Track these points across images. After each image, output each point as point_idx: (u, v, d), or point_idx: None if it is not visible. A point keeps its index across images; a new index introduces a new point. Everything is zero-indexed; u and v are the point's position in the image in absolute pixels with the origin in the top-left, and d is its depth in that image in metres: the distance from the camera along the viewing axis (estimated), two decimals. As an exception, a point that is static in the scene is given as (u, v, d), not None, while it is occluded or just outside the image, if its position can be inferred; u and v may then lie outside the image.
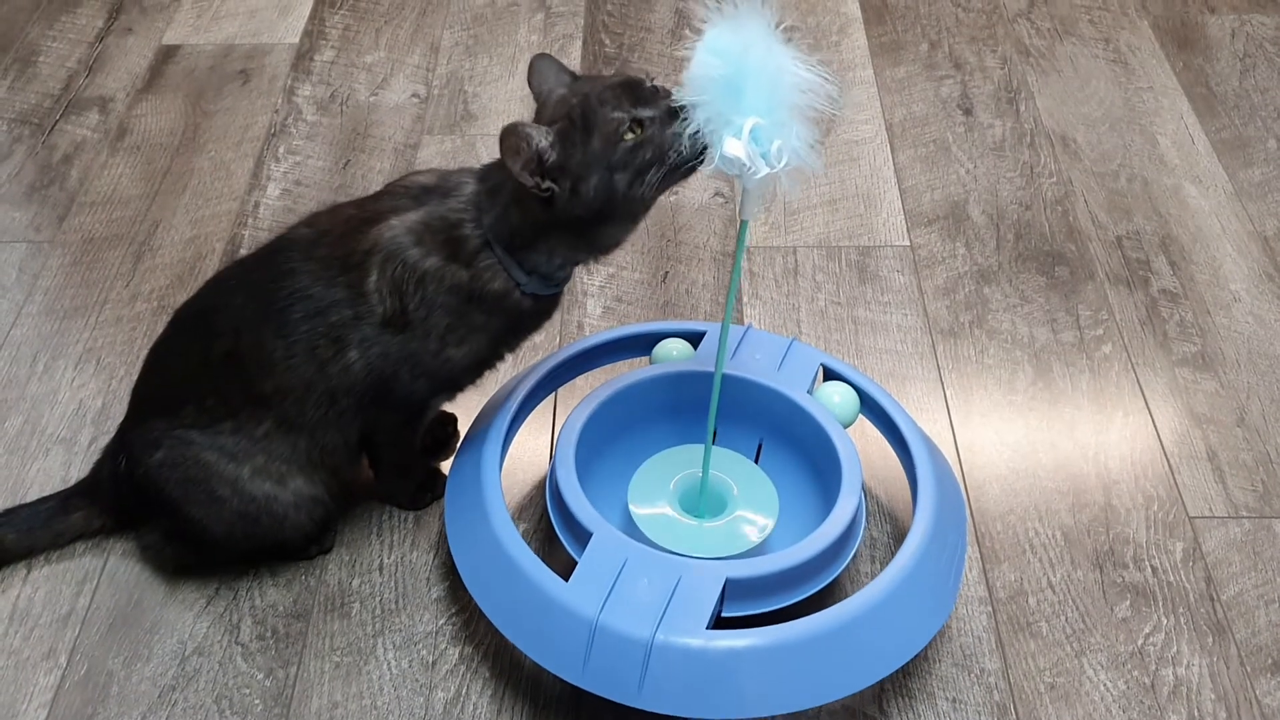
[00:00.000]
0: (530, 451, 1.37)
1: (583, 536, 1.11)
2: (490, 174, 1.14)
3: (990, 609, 1.22)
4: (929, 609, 1.12)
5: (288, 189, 1.74)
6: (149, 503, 1.19)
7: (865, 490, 1.30)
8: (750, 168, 0.97)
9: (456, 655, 1.18)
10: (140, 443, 1.19)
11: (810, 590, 1.11)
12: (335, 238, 1.14)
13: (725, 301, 1.55)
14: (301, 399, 1.14)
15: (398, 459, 1.28)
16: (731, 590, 1.07)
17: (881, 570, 1.19)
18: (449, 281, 1.12)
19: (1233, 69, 1.96)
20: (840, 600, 1.08)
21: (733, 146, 0.97)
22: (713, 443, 1.23)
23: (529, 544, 1.12)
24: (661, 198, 1.71)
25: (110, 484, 1.23)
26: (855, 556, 1.18)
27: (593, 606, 1.04)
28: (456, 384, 1.22)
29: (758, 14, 0.96)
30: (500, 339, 1.19)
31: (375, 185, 1.73)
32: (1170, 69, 1.96)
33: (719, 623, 1.07)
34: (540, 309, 1.19)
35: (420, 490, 1.31)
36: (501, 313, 1.15)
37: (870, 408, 1.28)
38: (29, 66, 1.99)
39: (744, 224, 1.08)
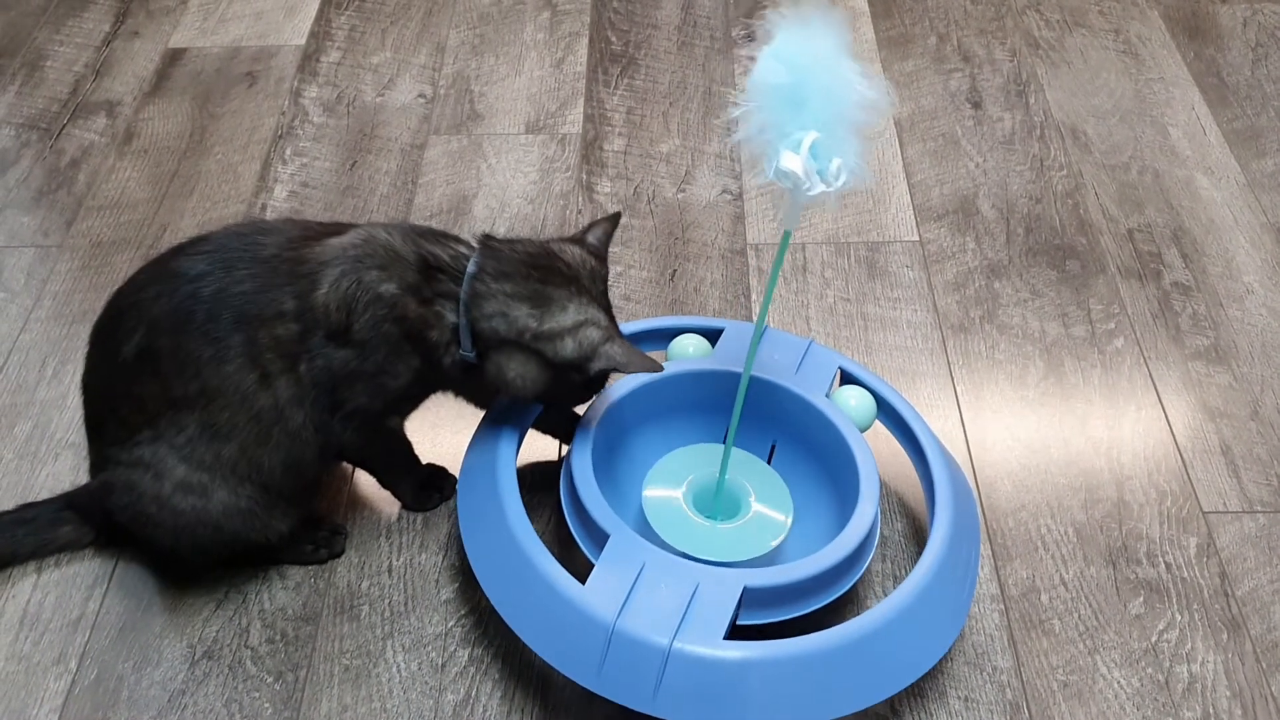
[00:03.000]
0: (542, 451, 1.36)
1: (599, 538, 1.10)
2: (509, 264, 1.13)
3: (1002, 607, 1.21)
4: (944, 623, 1.11)
5: (295, 191, 1.74)
6: (115, 523, 1.19)
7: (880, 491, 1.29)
8: (806, 184, 0.95)
9: (466, 657, 1.18)
10: (93, 468, 1.20)
11: (827, 599, 1.10)
12: (285, 240, 1.12)
13: (735, 299, 1.55)
14: (233, 406, 1.11)
15: (384, 469, 1.28)
16: (748, 598, 1.06)
17: (893, 570, 1.19)
18: (397, 311, 1.10)
19: (1244, 58, 1.94)
20: (853, 605, 1.07)
21: (790, 160, 0.95)
22: (731, 444, 1.22)
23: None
24: (670, 195, 1.71)
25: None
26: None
27: (610, 611, 1.03)
28: (399, 409, 1.20)
29: (832, 27, 0.94)
30: (421, 383, 1.16)
31: (382, 186, 1.74)
32: (1181, 59, 1.94)
33: (734, 630, 1.06)
34: (465, 376, 1.16)
35: (424, 491, 1.30)
36: (425, 359, 1.13)
37: (888, 415, 1.27)
38: (36, 71, 1.99)
39: (786, 235, 1.06)
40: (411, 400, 1.20)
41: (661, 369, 1.15)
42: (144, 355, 1.11)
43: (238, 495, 1.15)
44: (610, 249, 1.61)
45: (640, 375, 1.25)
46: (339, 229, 1.15)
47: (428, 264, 1.11)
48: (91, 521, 1.24)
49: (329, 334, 1.10)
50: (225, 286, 1.09)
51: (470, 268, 1.11)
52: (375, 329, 1.10)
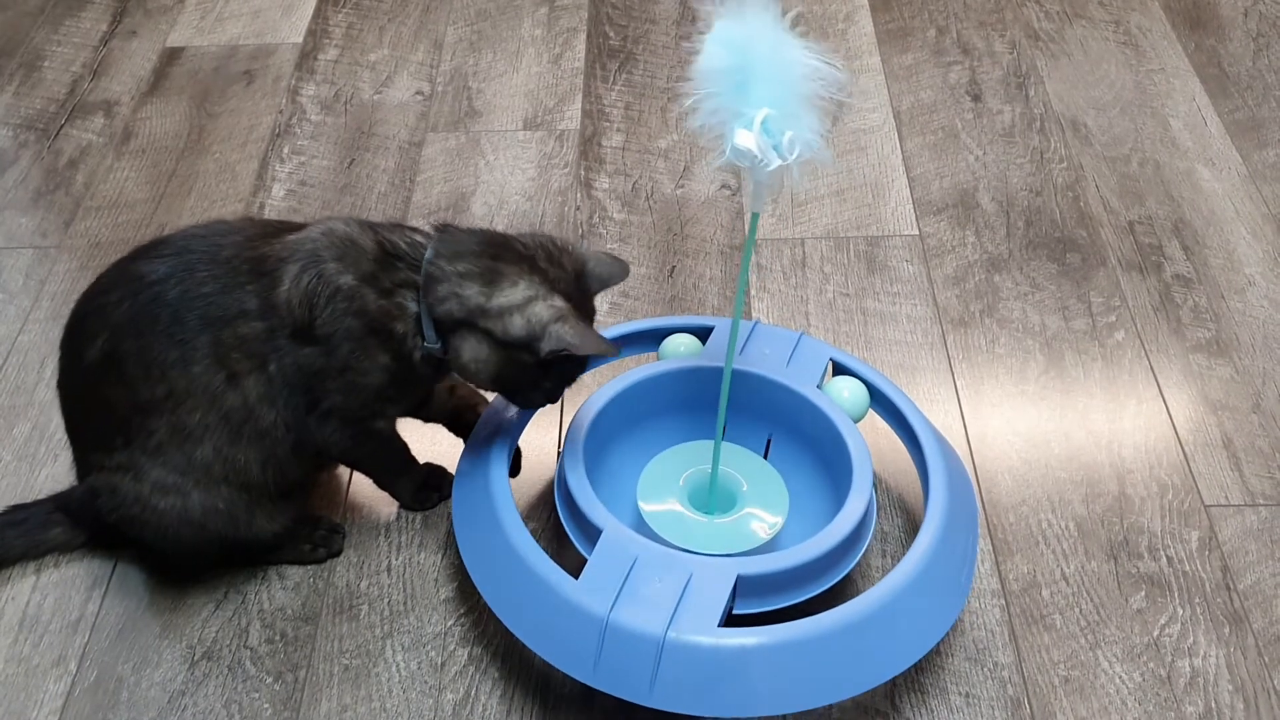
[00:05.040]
0: (538, 449, 1.36)
1: (592, 534, 1.10)
2: (462, 246, 1.11)
3: (1003, 602, 1.21)
4: (940, 607, 1.11)
5: (293, 189, 1.74)
6: (105, 525, 1.19)
7: (876, 483, 1.29)
8: (761, 160, 0.96)
9: (465, 656, 1.17)
10: (78, 472, 1.20)
11: (822, 587, 1.10)
12: (244, 240, 1.11)
13: (734, 295, 1.54)
14: (202, 407, 1.10)
15: (378, 470, 1.27)
16: (743, 587, 1.06)
17: (893, 565, 1.18)
18: (357, 304, 1.09)
19: (1245, 49, 1.93)
20: (851, 595, 1.07)
21: (744, 138, 0.96)
22: (722, 438, 1.22)
23: (538, 543, 1.11)
24: (669, 191, 1.71)
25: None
26: (866, 551, 1.16)
27: (603, 604, 1.03)
28: (380, 410, 1.17)
29: (764, 5, 0.95)
30: (396, 382, 1.13)
31: (380, 184, 1.73)
32: (1182, 50, 1.93)
33: (730, 620, 1.06)
34: (434, 372, 1.15)
35: (423, 490, 1.30)
36: (394, 354, 1.11)
37: (880, 402, 1.27)
38: (34, 71, 1.99)
39: (755, 216, 1.07)
40: (393, 402, 1.18)
41: (618, 352, 1.11)
42: (108, 360, 1.11)
43: (214, 497, 1.14)
44: (608, 245, 1.61)
45: (632, 375, 1.24)
46: (298, 227, 1.14)
47: (385, 251, 1.10)
48: (82, 524, 1.24)
49: (294, 331, 1.09)
50: (188, 289, 1.08)
51: (428, 253, 1.10)
52: (337, 323, 1.08)
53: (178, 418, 1.10)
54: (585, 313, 1.12)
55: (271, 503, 1.18)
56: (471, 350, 1.10)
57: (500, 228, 1.65)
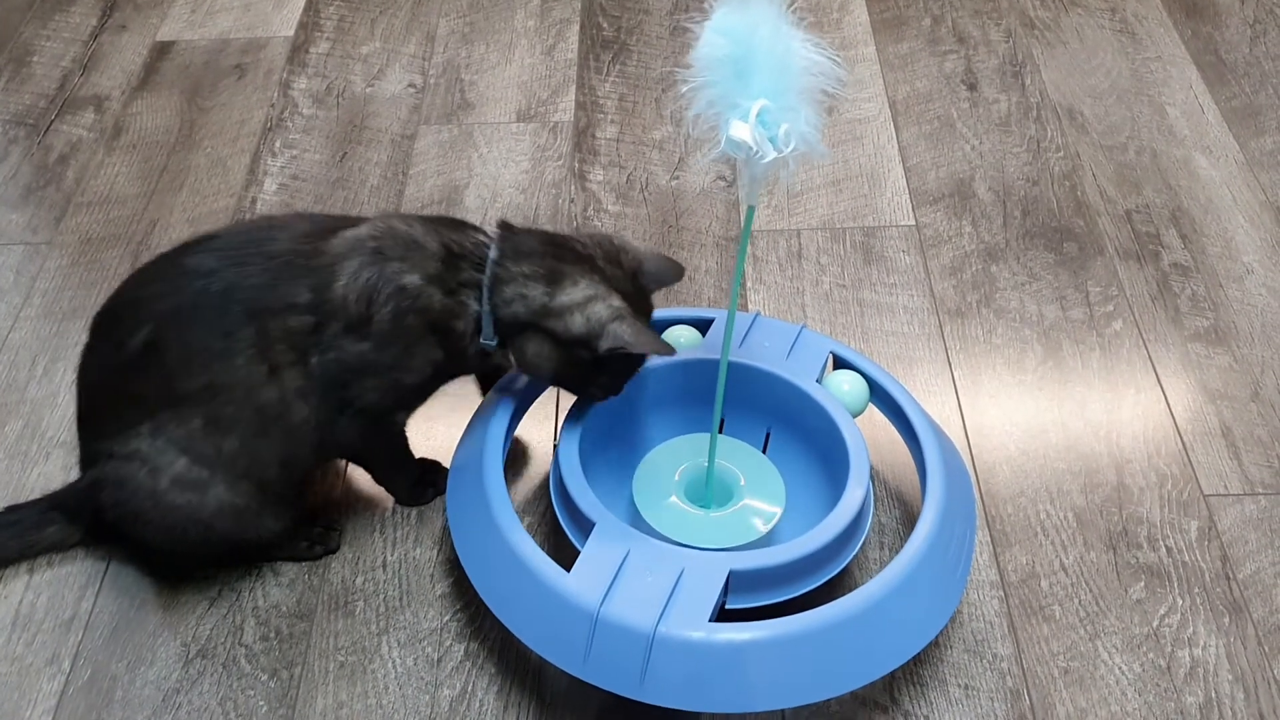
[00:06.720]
0: (534, 443, 1.35)
1: (586, 527, 1.10)
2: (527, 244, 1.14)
3: (1002, 593, 1.20)
4: (936, 602, 1.10)
5: (284, 183, 1.72)
6: (103, 521, 1.18)
7: (874, 475, 1.28)
8: (756, 151, 0.96)
9: (462, 651, 1.17)
10: (83, 464, 1.19)
11: (816, 582, 1.09)
12: (299, 234, 1.12)
13: (730, 287, 1.54)
14: (238, 400, 1.09)
15: (381, 465, 1.27)
16: (736, 582, 1.06)
17: (890, 557, 1.18)
18: (421, 303, 1.10)
19: (1242, 36, 1.93)
20: (848, 590, 1.06)
21: (739, 129, 0.95)
22: (719, 431, 1.21)
23: (533, 536, 1.10)
24: (663, 183, 1.70)
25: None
26: (864, 543, 1.16)
27: (594, 597, 1.03)
28: (408, 404, 1.20)
29: None
30: (439, 376, 1.17)
31: (373, 178, 1.72)
32: (1178, 37, 1.92)
33: (725, 614, 1.05)
34: (480, 363, 1.18)
35: (419, 486, 1.29)
36: (448, 350, 1.13)
37: (880, 396, 1.26)
38: (23, 66, 1.98)
39: (750, 209, 1.06)
40: (422, 397, 1.20)
41: (674, 352, 1.13)
42: (149, 350, 1.10)
43: (235, 491, 1.14)
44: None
45: None
46: (351, 222, 1.14)
47: (451, 252, 1.11)
48: (78, 521, 1.23)
49: (347, 326, 1.09)
50: (236, 281, 1.09)
51: (492, 253, 1.12)
52: (397, 321, 1.09)
53: (213, 409, 1.10)
54: (642, 311, 1.15)
55: (279, 500, 1.18)
56: (535, 348, 1.13)
57: (493, 221, 1.65)
